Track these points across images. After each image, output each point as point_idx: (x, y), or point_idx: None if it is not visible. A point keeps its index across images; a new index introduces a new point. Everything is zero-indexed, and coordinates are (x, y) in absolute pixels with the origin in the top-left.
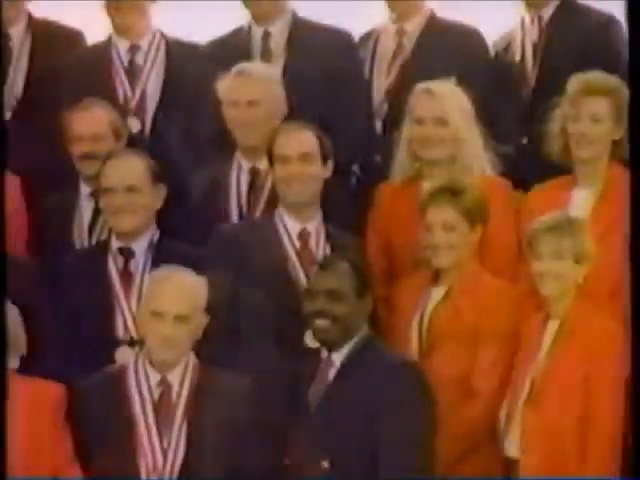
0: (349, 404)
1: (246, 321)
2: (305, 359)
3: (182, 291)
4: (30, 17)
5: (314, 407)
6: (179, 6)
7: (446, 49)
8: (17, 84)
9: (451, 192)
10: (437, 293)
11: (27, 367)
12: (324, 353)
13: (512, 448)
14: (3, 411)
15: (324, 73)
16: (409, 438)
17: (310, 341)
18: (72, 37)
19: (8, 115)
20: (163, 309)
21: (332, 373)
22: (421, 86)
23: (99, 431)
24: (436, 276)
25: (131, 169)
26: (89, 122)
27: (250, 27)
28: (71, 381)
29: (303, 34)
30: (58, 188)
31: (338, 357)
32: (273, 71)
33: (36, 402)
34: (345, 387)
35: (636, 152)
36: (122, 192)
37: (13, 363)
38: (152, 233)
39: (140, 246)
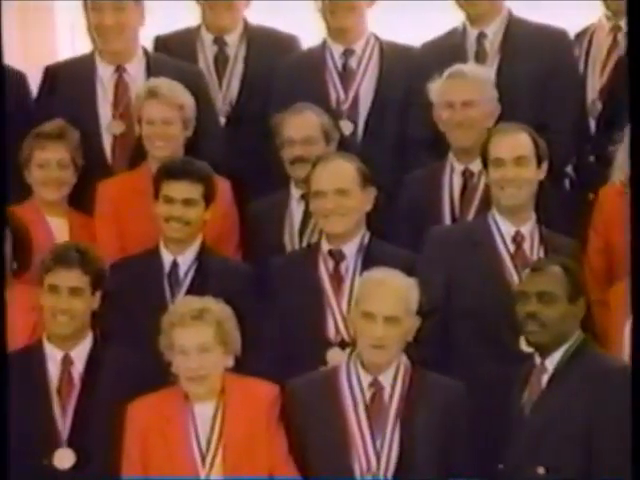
0: (563, 410)
1: (459, 323)
2: (519, 363)
3: (393, 293)
4: (246, 23)
5: (528, 412)
6: (392, 8)
7: None
8: (232, 90)
9: None
10: None
11: (242, 367)
12: (537, 358)
13: None
14: (3, 409)
15: (539, 73)
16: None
17: (524, 346)
18: (287, 42)
19: (223, 120)
20: (374, 310)
21: (545, 379)
22: None
23: (312, 431)
24: None
25: (341, 172)
26: (301, 126)
27: (465, 28)
28: (284, 382)
29: (518, 34)
30: (269, 191)
31: (551, 362)
32: (487, 72)
33: (251, 402)
34: (559, 393)
35: (636, 152)
36: (332, 195)
37: (228, 363)
38: (362, 235)
39: (350, 248)
